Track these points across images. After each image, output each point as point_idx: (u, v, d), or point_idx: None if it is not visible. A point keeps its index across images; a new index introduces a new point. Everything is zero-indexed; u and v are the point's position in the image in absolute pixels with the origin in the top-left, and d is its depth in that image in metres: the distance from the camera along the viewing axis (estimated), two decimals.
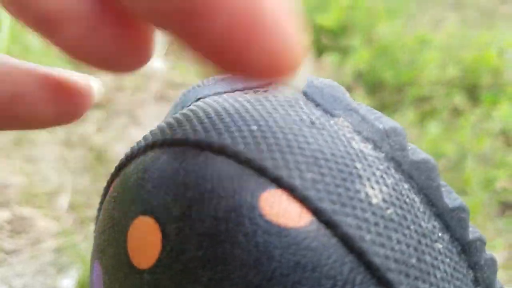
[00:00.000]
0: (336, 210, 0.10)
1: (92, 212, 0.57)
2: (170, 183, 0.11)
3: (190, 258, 0.10)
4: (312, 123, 0.11)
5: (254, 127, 0.11)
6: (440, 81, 0.77)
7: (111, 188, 0.12)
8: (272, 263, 0.10)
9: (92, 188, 0.64)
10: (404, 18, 0.84)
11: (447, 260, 0.11)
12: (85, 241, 0.57)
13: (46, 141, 0.69)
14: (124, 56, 0.10)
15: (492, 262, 0.12)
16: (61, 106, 0.12)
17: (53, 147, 0.69)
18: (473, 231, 0.12)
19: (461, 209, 0.12)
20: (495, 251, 0.63)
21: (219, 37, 0.08)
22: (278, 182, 0.10)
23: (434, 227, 0.11)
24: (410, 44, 0.78)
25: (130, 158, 0.12)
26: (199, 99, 0.13)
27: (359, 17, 0.82)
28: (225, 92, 0.13)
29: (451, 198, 0.12)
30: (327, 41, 0.87)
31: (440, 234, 0.11)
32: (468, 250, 0.12)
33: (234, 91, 0.13)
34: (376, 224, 0.10)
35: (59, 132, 0.71)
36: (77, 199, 0.62)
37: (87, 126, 0.73)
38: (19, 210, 0.59)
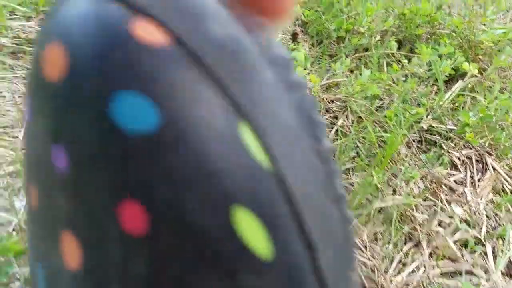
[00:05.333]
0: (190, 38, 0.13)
1: None
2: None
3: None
4: None
5: None
6: (379, 31, 0.82)
7: None
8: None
9: None
10: None
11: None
12: None
13: (6, 77, 0.72)
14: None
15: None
16: None
17: (15, 82, 0.72)
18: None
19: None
20: (414, 180, 0.69)
21: None
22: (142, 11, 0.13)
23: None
24: None
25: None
26: None
27: None
28: None
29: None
30: None
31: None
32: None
33: None
34: (216, 52, 0.13)
35: (20, 70, 0.74)
36: None
37: None
38: None
